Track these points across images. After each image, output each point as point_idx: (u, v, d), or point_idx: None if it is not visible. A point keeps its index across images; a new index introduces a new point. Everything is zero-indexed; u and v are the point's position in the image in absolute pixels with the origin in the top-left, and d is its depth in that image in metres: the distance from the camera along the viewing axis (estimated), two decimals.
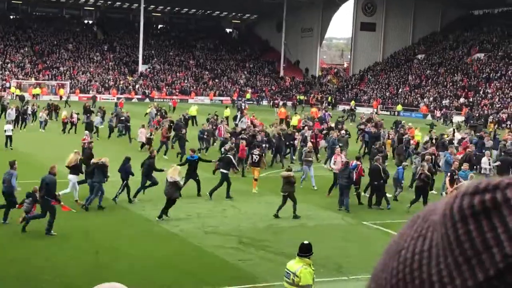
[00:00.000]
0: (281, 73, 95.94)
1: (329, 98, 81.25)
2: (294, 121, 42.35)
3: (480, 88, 71.32)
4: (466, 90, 72.11)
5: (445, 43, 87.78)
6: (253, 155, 24.36)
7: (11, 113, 40.28)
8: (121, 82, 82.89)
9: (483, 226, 0.74)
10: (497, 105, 64.62)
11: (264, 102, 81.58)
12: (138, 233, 17.30)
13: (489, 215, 0.74)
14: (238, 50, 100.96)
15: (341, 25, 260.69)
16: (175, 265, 14.86)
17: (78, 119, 40.06)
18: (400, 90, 79.11)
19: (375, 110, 68.98)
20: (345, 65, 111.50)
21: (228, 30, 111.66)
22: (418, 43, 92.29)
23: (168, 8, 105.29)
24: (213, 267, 14.77)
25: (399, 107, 69.58)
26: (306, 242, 11.32)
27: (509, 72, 71.90)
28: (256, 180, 23.82)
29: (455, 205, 0.77)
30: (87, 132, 31.05)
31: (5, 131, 32.45)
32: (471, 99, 69.13)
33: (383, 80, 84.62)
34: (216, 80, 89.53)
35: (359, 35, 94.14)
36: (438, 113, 64.77)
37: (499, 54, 77.24)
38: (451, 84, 75.27)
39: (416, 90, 77.39)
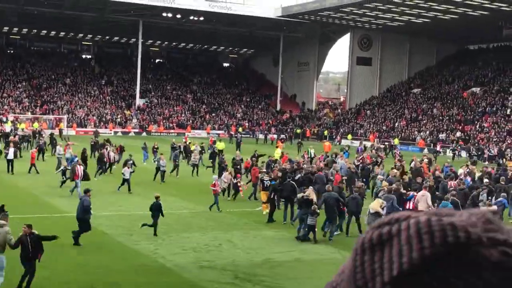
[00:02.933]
0: (278, 107, 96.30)
1: (325, 132, 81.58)
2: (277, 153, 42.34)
3: (476, 122, 71.61)
4: (462, 124, 72.40)
5: (441, 78, 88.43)
6: (264, 181, 26.05)
7: (60, 149, 38.90)
8: (119, 116, 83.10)
9: (374, 257, 0.78)
10: (493, 139, 64.78)
11: (260, 136, 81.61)
12: (131, 268, 17.11)
13: (383, 247, 0.78)
14: (235, 84, 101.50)
15: (338, 59, 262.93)
16: None
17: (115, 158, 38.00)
18: (396, 124, 79.38)
19: (372, 143, 69.18)
20: (342, 99, 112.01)
21: (225, 65, 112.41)
22: (414, 77, 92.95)
23: (166, 42, 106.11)
24: None
25: (396, 141, 69.70)
26: None
27: (505, 106, 72.30)
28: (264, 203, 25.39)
29: (361, 238, 0.82)
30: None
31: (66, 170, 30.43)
32: (467, 132, 69.36)
33: (380, 114, 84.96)
34: (213, 114, 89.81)
35: (355, 69, 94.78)
36: (438, 147, 64.75)
37: (494, 88, 77.76)
38: (447, 118, 75.58)
39: (412, 124, 77.66)
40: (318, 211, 20.73)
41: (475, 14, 74.85)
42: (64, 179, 29.92)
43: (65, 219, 22.11)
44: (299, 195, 22.38)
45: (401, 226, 0.78)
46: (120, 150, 41.60)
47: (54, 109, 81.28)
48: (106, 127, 78.14)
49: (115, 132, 75.16)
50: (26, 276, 14.63)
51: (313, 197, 21.80)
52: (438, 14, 78.00)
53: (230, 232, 21.80)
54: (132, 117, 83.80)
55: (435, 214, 0.81)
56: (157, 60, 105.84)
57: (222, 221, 23.70)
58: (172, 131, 79.78)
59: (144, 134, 78.11)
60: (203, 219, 24.06)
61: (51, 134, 52.23)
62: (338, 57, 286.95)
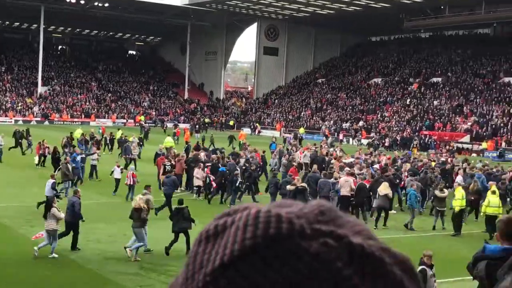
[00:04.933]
0: (186, 96, 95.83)
1: (231, 121, 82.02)
2: (168, 143, 41.62)
3: (378, 111, 73.98)
4: (364, 113, 74.61)
5: (345, 68, 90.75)
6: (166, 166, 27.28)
7: None
8: (19, 104, 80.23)
9: (206, 248, 0.77)
10: (394, 128, 67.14)
11: (169, 125, 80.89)
12: (32, 260, 16.67)
13: (216, 238, 0.77)
14: (141, 72, 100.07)
15: (246, 49, 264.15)
16: None
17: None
18: (302, 113, 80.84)
19: (279, 132, 70.24)
20: (249, 88, 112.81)
21: (131, 52, 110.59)
22: (319, 68, 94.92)
23: (69, 29, 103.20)
24: None
25: (302, 130, 70.96)
26: None
27: (405, 96, 75.08)
28: None
29: (203, 229, 0.81)
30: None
31: None
32: (370, 122, 71.53)
33: (286, 104, 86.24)
34: (119, 102, 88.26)
35: (263, 59, 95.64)
36: (341, 136, 66.44)
37: (395, 79, 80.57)
38: (350, 107, 77.66)
39: (317, 114, 79.32)
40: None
41: (377, 6, 77.26)
42: None
43: None
44: (289, 187, 22.81)
45: (235, 217, 0.78)
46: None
47: None
48: (6, 116, 75.36)
49: (16, 121, 72.44)
50: None
51: (305, 184, 23.24)
52: (342, 5, 79.99)
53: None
54: (34, 105, 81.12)
55: (275, 205, 0.81)
56: (60, 47, 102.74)
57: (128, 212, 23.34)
58: (76, 120, 77.82)
59: (46, 123, 75.82)
60: (109, 209, 23.71)
61: None
62: (246, 46, 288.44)
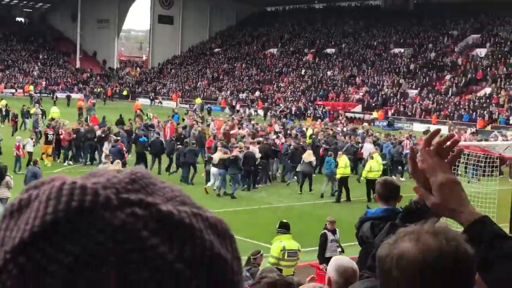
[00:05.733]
0: (78, 65, 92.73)
1: (124, 91, 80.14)
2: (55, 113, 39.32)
3: (274, 82, 74.61)
4: (261, 84, 75.05)
5: (241, 38, 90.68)
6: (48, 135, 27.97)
7: None
8: None
9: (9, 225, 0.74)
10: (289, 98, 68.00)
11: (59, 95, 77.87)
12: None
13: (20, 213, 0.74)
14: (30, 40, 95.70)
15: (140, 17, 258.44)
16: None
17: None
18: (198, 83, 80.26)
19: (176, 103, 69.33)
20: (144, 58, 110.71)
21: (19, 19, 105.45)
22: (215, 37, 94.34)
23: None
24: None
25: (198, 100, 70.49)
26: (285, 220, 12.58)
27: (299, 66, 76.09)
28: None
29: (9, 203, 0.78)
30: None
31: None
32: (266, 92, 72.06)
33: (182, 74, 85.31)
34: (7, 72, 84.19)
35: (157, 27, 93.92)
36: (238, 106, 66.46)
37: (290, 49, 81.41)
38: (247, 78, 77.87)
39: (214, 84, 79.01)
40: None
41: None
42: None
43: None
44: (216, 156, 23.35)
45: (40, 191, 0.74)
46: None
47: None
48: None
49: None
50: None
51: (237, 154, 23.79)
52: None
53: None
54: None
55: (85, 176, 0.79)
56: None
57: None
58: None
59: None
60: None
61: None
62: (141, 15, 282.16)
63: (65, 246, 0.70)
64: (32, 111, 39.54)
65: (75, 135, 28.63)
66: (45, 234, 0.70)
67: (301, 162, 24.25)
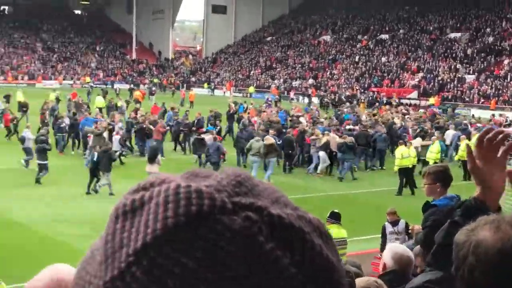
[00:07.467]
0: (134, 56, 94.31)
1: (174, 79, 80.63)
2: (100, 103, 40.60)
3: (327, 69, 74.29)
4: (313, 71, 74.85)
5: (294, 26, 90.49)
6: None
7: None
8: None
9: (125, 226, 0.74)
10: (343, 86, 67.63)
11: (119, 86, 79.27)
12: None
13: (134, 215, 0.74)
14: (87, 32, 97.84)
15: (194, 7, 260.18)
16: (22, 255, 14.21)
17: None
18: (252, 72, 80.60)
19: (229, 92, 69.81)
20: (198, 48, 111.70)
21: (76, 12, 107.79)
22: (268, 26, 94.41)
23: None
24: (62, 254, 14.28)
25: (251, 89, 70.79)
26: (336, 210, 12.40)
27: (353, 53, 75.52)
28: None
29: (116, 204, 0.77)
30: None
31: None
32: (319, 80, 71.85)
33: (235, 63, 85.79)
34: (65, 64, 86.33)
35: (211, 17, 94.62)
36: (291, 95, 66.44)
37: (344, 36, 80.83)
38: (300, 65, 77.77)
39: (267, 72, 79.20)
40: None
41: None
42: None
43: None
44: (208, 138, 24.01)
45: (153, 192, 0.74)
46: None
47: None
48: None
49: None
50: None
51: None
52: None
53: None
54: None
55: (190, 178, 0.78)
56: (2, 7, 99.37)
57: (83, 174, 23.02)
58: (21, 81, 75.81)
59: None
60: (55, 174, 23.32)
61: None
62: (194, 5, 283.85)
63: (188, 250, 0.70)
64: (119, 104, 39.54)
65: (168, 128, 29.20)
66: (167, 238, 0.71)
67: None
